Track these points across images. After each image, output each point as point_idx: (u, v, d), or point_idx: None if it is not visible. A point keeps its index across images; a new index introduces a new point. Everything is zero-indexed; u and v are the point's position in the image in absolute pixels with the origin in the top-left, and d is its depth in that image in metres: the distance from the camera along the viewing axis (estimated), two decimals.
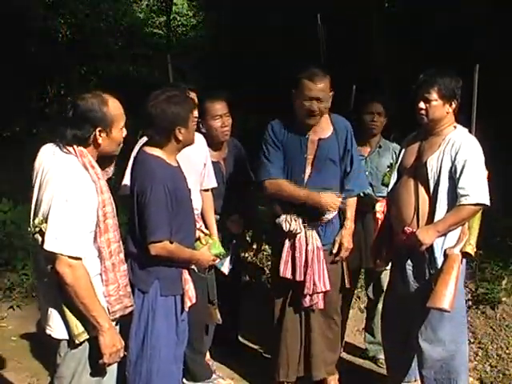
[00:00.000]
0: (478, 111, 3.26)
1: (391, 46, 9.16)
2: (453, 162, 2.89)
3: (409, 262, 3.06)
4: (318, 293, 3.29)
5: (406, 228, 2.99)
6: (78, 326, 2.24)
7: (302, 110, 3.20)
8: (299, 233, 3.30)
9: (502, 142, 6.37)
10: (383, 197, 3.74)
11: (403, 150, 3.21)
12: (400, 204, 3.08)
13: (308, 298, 3.31)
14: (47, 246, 2.16)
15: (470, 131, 3.12)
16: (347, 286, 3.42)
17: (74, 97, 2.32)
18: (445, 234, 2.92)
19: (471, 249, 2.96)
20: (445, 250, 2.93)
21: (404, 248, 3.04)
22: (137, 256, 2.73)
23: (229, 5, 12.90)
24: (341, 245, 3.33)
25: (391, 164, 3.77)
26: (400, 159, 3.21)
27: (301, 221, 3.29)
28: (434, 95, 2.92)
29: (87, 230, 2.25)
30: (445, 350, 2.99)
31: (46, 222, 2.18)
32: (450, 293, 2.86)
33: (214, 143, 3.64)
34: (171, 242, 2.71)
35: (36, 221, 2.21)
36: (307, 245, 3.28)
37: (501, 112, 7.23)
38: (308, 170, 3.30)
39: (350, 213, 3.36)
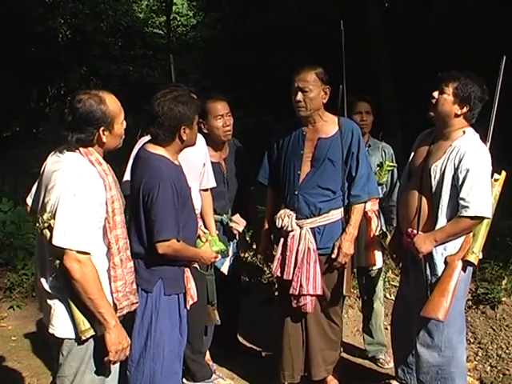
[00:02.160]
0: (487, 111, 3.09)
1: (391, 46, 9.16)
2: (455, 171, 2.83)
3: (411, 264, 3.04)
4: (306, 295, 3.25)
5: (409, 229, 2.98)
6: (84, 323, 2.24)
7: (292, 103, 3.22)
8: (291, 231, 3.29)
9: (502, 143, 6.36)
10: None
11: (413, 150, 3.15)
12: (405, 206, 3.06)
13: (295, 298, 3.28)
14: (55, 241, 2.17)
15: (487, 133, 3.01)
16: (345, 293, 3.33)
17: (70, 99, 2.31)
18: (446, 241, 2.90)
19: (474, 258, 2.89)
20: (445, 258, 2.89)
21: (409, 250, 3.02)
22: (142, 256, 2.73)
23: (229, 5, 12.91)
24: (339, 250, 3.25)
25: (381, 163, 3.78)
26: (410, 159, 3.16)
27: (294, 217, 3.29)
28: (449, 89, 2.87)
29: (96, 225, 2.26)
30: (441, 355, 2.97)
31: (55, 218, 2.18)
32: (445, 303, 2.84)
33: (215, 143, 3.65)
34: (178, 241, 2.71)
35: (44, 216, 2.21)
36: (299, 244, 3.27)
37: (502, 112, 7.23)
38: (305, 169, 3.29)
39: (355, 219, 3.28)
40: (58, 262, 2.21)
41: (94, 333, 2.26)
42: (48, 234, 2.20)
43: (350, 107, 3.78)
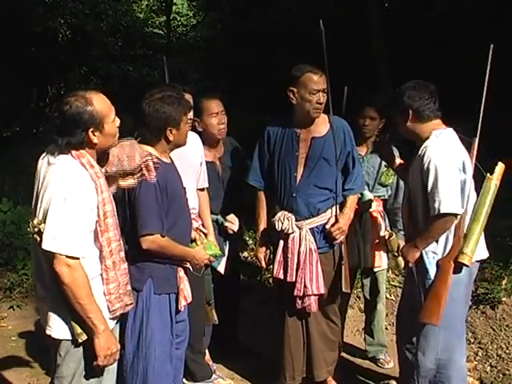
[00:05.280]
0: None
1: (391, 45, 9.17)
2: (422, 171, 2.85)
3: (411, 269, 3.02)
4: (310, 295, 3.26)
5: (409, 235, 3.00)
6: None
7: (311, 104, 3.18)
8: (292, 233, 3.29)
9: (501, 142, 6.37)
10: (379, 196, 3.76)
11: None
12: (403, 217, 3.13)
13: (299, 299, 3.29)
14: (45, 246, 2.16)
15: (476, 129, 3.00)
16: (344, 289, 3.34)
17: (58, 103, 2.29)
18: (437, 242, 2.89)
19: (467, 259, 2.84)
20: (437, 261, 2.89)
21: None
22: (130, 254, 2.71)
23: (229, 5, 12.92)
24: (336, 222, 3.25)
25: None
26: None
27: (293, 219, 3.28)
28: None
29: (87, 229, 2.25)
30: (437, 358, 2.96)
31: (45, 222, 2.17)
32: (438, 307, 2.83)
33: (209, 142, 3.63)
34: (162, 236, 2.72)
35: (35, 221, 2.21)
36: (300, 246, 3.27)
37: (501, 112, 7.23)
38: (300, 169, 3.29)
39: (350, 204, 3.33)
40: (49, 265, 2.20)
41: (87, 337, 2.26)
42: (38, 238, 2.19)
43: (358, 109, 3.78)
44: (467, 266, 2.88)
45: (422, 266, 2.91)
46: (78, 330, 2.24)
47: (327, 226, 3.28)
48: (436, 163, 2.78)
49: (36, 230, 2.19)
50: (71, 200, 2.17)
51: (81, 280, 2.19)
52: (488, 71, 2.95)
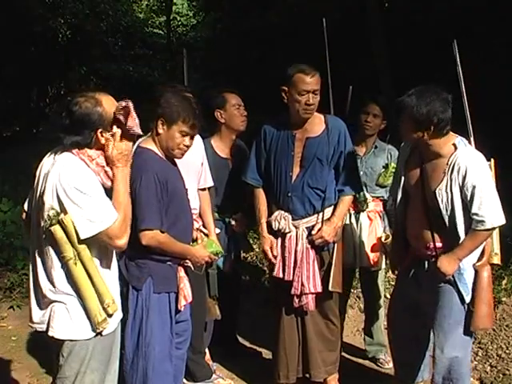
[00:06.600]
0: (479, 112, 3.05)
1: (391, 45, 9.17)
2: (462, 189, 2.79)
3: (424, 272, 3.00)
4: (307, 294, 3.26)
5: (428, 244, 2.95)
6: (101, 313, 2.24)
7: (300, 105, 3.16)
8: (289, 232, 3.29)
9: (502, 142, 6.37)
10: (377, 197, 3.77)
11: (403, 167, 3.07)
12: (414, 227, 3.02)
13: (296, 298, 3.29)
14: (86, 234, 2.18)
15: (468, 134, 3.01)
16: (330, 288, 3.29)
17: (67, 102, 2.30)
18: None
19: (498, 258, 2.92)
20: (473, 266, 2.89)
21: (424, 258, 2.99)
22: (130, 252, 2.70)
23: (229, 5, 12.92)
24: (319, 230, 3.24)
25: (386, 165, 3.76)
26: (403, 179, 3.07)
27: (290, 219, 3.28)
28: (404, 118, 2.78)
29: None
30: (454, 355, 2.98)
31: (64, 213, 2.17)
32: (490, 311, 2.89)
33: (228, 136, 3.69)
34: (162, 232, 2.72)
35: (50, 213, 2.20)
36: (297, 245, 3.28)
37: (500, 112, 7.23)
38: (296, 169, 3.29)
39: (339, 210, 3.29)
40: (69, 256, 2.20)
41: (109, 323, 2.28)
42: (58, 230, 2.19)
43: (361, 105, 3.78)
44: (500, 265, 2.96)
45: (457, 274, 2.90)
46: (100, 317, 2.24)
47: (313, 232, 3.27)
48: (481, 183, 2.76)
49: (54, 221, 2.18)
50: (83, 186, 2.20)
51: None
52: (459, 66, 2.97)
